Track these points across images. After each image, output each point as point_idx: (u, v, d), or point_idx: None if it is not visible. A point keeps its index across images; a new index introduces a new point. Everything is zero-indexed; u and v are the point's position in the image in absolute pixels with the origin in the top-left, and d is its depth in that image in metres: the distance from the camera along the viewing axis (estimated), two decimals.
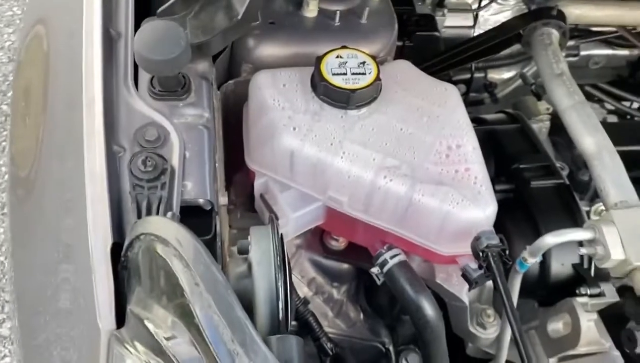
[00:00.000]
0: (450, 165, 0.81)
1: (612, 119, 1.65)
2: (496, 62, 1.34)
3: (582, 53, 1.44)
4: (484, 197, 0.79)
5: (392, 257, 0.84)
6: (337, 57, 0.84)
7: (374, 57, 0.86)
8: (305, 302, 0.86)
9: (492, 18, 1.35)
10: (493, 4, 1.33)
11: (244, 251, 0.66)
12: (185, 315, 0.54)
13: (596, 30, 1.39)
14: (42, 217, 0.75)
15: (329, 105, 0.83)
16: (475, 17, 1.25)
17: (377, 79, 0.83)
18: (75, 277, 0.65)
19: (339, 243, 0.97)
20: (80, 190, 0.64)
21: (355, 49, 0.85)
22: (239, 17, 0.74)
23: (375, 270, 0.85)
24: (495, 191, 0.87)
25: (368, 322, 1.02)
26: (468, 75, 1.30)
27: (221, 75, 0.93)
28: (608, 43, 1.45)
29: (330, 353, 0.85)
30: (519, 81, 1.37)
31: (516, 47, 1.11)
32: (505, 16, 1.36)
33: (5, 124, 2.29)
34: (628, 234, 0.72)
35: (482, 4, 1.28)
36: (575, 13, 1.06)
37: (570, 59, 1.43)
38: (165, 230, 0.57)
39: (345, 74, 0.83)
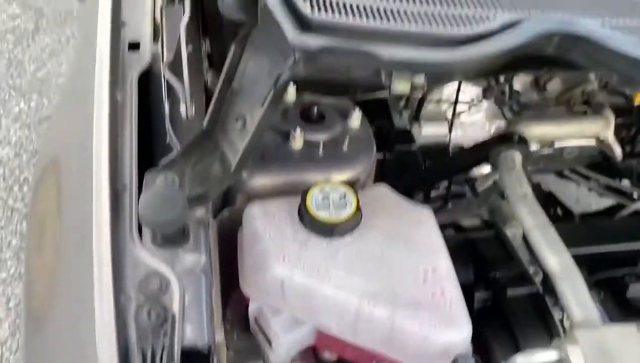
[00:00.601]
0: (428, 289, 0.88)
1: (590, 195, 1.74)
2: None
3: (556, 146, 1.54)
4: (459, 320, 0.85)
5: None
6: (320, 191, 0.93)
7: (354, 186, 0.95)
8: None
9: (467, 120, 1.46)
10: (467, 108, 1.44)
11: None
12: None
13: None
14: (54, 358, 0.82)
15: (314, 235, 0.91)
16: (451, 125, 1.36)
17: (358, 209, 0.92)
18: None
19: (331, 354, 1.03)
20: (91, 340, 0.71)
21: (336, 183, 0.95)
22: (232, 169, 0.83)
23: None
24: (475, 299, 0.94)
25: None
26: None
27: (216, 203, 1.01)
28: None
29: None
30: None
31: None
32: (479, 118, 1.46)
33: (11, 219, 2.38)
34: (591, 354, 0.79)
35: (457, 110, 1.39)
36: (537, 133, 1.16)
37: (545, 151, 1.53)
38: None
39: (328, 207, 0.91)
